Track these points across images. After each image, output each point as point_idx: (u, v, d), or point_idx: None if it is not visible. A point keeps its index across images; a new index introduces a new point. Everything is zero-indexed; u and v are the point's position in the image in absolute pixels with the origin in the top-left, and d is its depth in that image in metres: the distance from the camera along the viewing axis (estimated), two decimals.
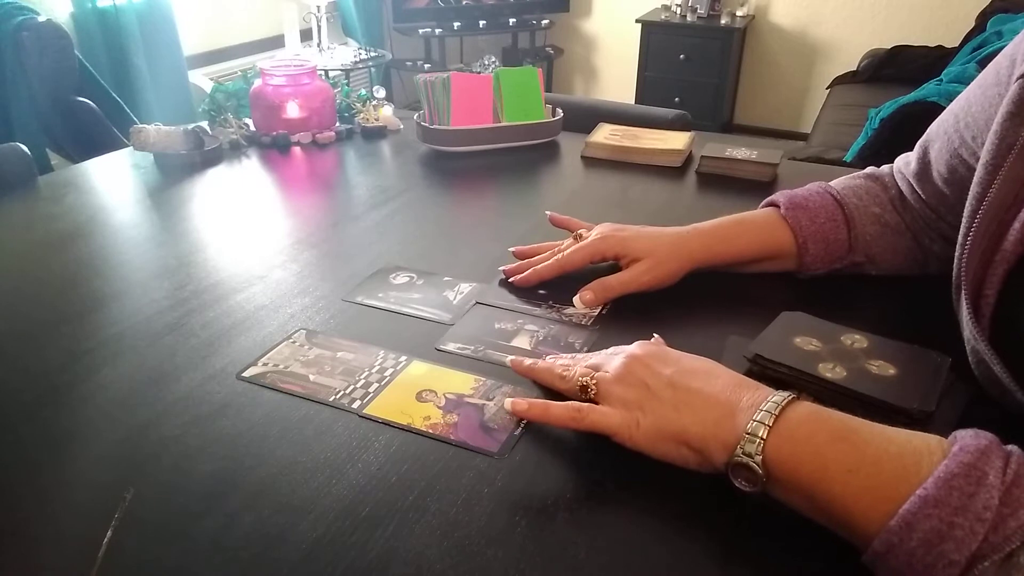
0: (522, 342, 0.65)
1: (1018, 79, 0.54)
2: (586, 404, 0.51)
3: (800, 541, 0.44)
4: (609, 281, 0.69)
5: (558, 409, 0.51)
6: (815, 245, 0.71)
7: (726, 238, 0.73)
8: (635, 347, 0.55)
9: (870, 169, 0.77)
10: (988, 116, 0.60)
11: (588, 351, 0.62)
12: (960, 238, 0.56)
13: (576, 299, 0.69)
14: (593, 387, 0.53)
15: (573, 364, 0.57)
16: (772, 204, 0.75)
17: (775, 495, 0.45)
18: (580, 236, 0.75)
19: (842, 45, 3.60)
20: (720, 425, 0.46)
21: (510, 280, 0.73)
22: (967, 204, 0.56)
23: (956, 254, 0.56)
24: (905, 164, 0.73)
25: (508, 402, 0.51)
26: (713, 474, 0.47)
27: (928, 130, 0.70)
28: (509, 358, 0.59)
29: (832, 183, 0.75)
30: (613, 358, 0.54)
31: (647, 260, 0.70)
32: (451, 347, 0.64)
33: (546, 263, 0.73)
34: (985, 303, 0.53)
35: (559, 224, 0.81)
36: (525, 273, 0.72)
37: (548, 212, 0.82)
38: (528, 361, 0.58)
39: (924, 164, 0.69)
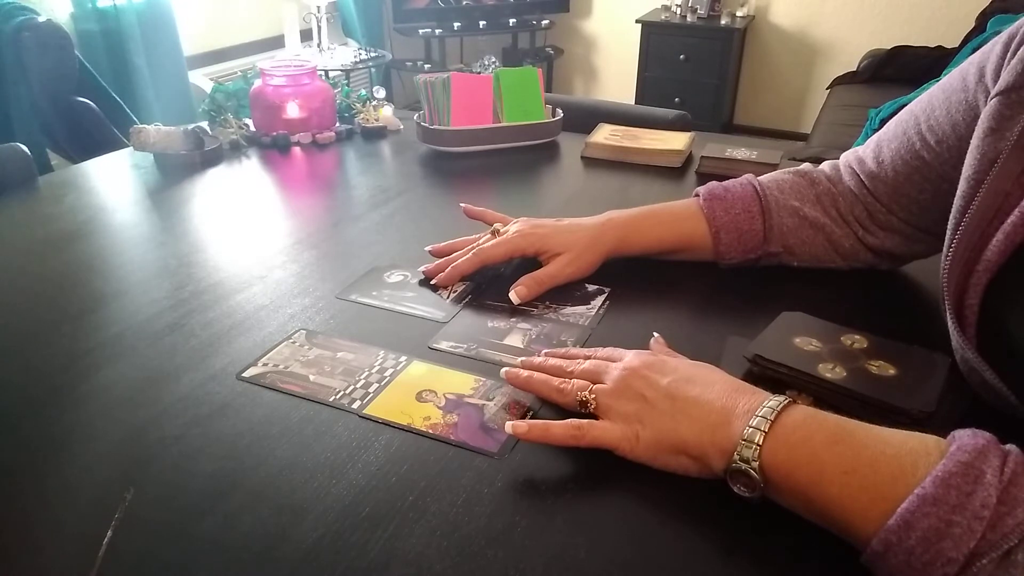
0: (515, 340, 0.65)
1: (995, 96, 0.55)
2: (586, 421, 0.51)
3: (800, 541, 0.44)
4: (538, 275, 0.73)
5: (558, 429, 0.51)
6: (727, 235, 0.74)
7: (640, 229, 0.76)
8: (632, 358, 0.55)
9: (806, 166, 0.78)
10: (952, 121, 0.62)
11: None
12: (944, 250, 0.57)
13: (512, 295, 0.71)
14: (592, 402, 0.53)
15: (568, 365, 0.57)
16: (697, 194, 0.78)
17: (774, 499, 0.45)
18: (497, 232, 0.78)
19: (842, 45, 3.60)
20: (717, 432, 0.47)
21: (432, 281, 0.74)
22: (951, 217, 0.57)
23: (940, 266, 0.56)
24: (857, 161, 0.74)
25: (509, 425, 0.51)
26: (714, 480, 0.47)
27: (884, 128, 0.72)
28: (503, 370, 0.58)
29: (761, 176, 0.77)
30: (610, 368, 0.54)
31: (567, 254, 0.73)
32: (444, 345, 0.64)
33: (466, 258, 0.74)
34: (969, 311, 0.53)
35: (474, 216, 0.83)
36: (447, 271, 0.74)
37: (462, 204, 0.83)
38: (525, 373, 0.57)
39: (879, 162, 0.71)
